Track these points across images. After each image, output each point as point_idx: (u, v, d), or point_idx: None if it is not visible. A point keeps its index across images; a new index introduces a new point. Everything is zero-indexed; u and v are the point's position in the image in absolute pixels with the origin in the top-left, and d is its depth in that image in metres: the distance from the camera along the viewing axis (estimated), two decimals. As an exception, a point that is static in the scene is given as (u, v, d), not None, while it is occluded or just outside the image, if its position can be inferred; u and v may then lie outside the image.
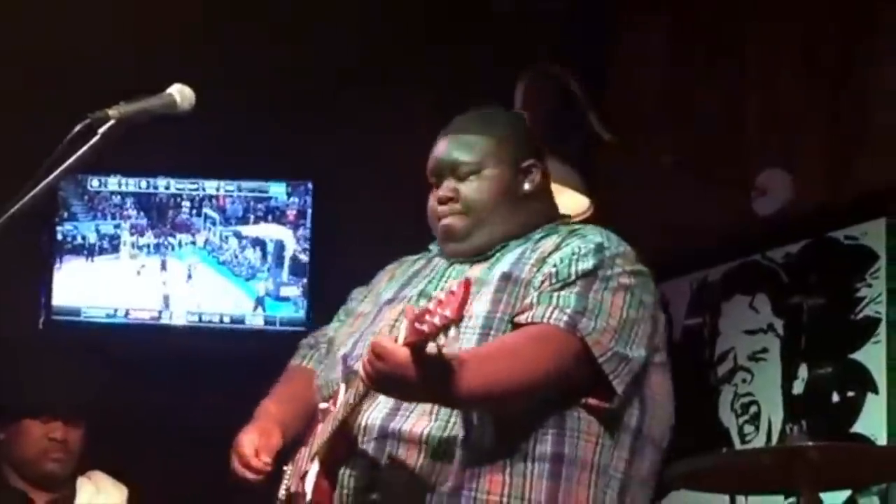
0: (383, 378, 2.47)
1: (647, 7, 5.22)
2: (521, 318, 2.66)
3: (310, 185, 5.24)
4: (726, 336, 4.70)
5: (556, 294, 2.65)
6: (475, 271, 2.79)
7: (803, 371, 4.43)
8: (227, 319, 5.15)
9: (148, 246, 5.17)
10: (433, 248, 2.98)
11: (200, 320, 5.13)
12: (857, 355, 4.28)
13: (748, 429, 4.56)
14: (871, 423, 4.19)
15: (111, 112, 2.42)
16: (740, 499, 4.41)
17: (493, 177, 2.84)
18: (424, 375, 2.44)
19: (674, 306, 4.84)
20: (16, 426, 4.25)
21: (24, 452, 4.24)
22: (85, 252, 5.17)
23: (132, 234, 5.16)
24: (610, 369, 2.62)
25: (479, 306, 2.68)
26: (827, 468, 3.38)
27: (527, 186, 2.87)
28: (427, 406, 2.62)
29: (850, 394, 4.27)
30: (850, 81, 4.52)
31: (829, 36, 4.62)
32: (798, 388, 4.44)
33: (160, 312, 5.18)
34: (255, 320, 5.10)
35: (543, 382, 2.59)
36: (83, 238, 5.19)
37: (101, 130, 2.40)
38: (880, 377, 4.20)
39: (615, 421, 2.68)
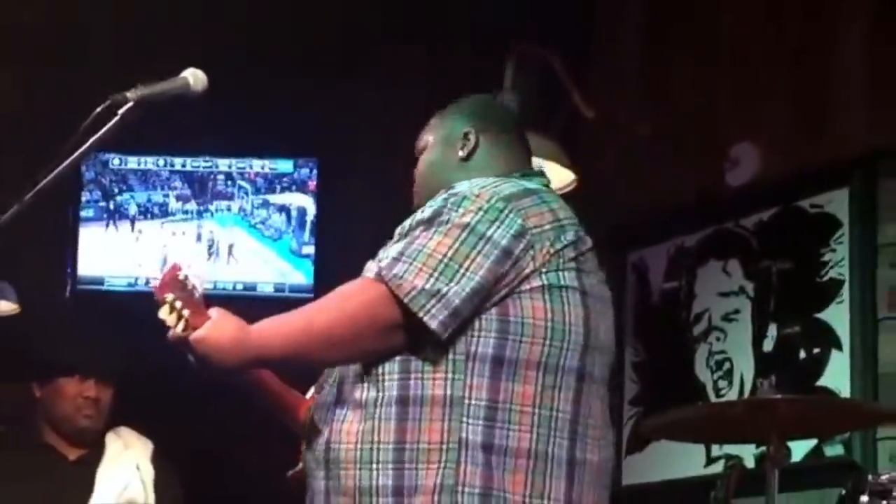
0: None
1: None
2: None
3: (315, 162, 5.49)
4: (701, 298, 4.78)
5: (388, 249, 2.64)
6: None
7: (773, 330, 4.53)
8: (239, 287, 5.41)
9: (191, 212, 5.50)
10: None
11: (215, 287, 5.36)
12: (823, 315, 4.39)
13: (722, 384, 4.64)
14: (835, 377, 4.31)
15: (129, 94, 2.49)
16: (714, 448, 4.52)
17: (431, 148, 2.90)
18: (198, 354, 2.56)
19: (652, 271, 4.95)
20: (52, 385, 4.45)
21: (60, 409, 4.44)
22: (136, 216, 5.50)
23: (178, 202, 5.50)
24: (417, 306, 2.53)
25: None
26: (794, 419, 3.42)
27: (460, 153, 2.85)
28: (340, 372, 2.67)
29: (816, 351, 4.39)
30: (814, 57, 4.58)
31: (795, 11, 4.68)
32: (768, 345, 4.54)
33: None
34: (266, 288, 5.33)
35: (355, 333, 2.57)
36: (136, 205, 5.53)
37: (120, 111, 2.48)
38: (844, 335, 4.32)
39: (461, 352, 2.57)
